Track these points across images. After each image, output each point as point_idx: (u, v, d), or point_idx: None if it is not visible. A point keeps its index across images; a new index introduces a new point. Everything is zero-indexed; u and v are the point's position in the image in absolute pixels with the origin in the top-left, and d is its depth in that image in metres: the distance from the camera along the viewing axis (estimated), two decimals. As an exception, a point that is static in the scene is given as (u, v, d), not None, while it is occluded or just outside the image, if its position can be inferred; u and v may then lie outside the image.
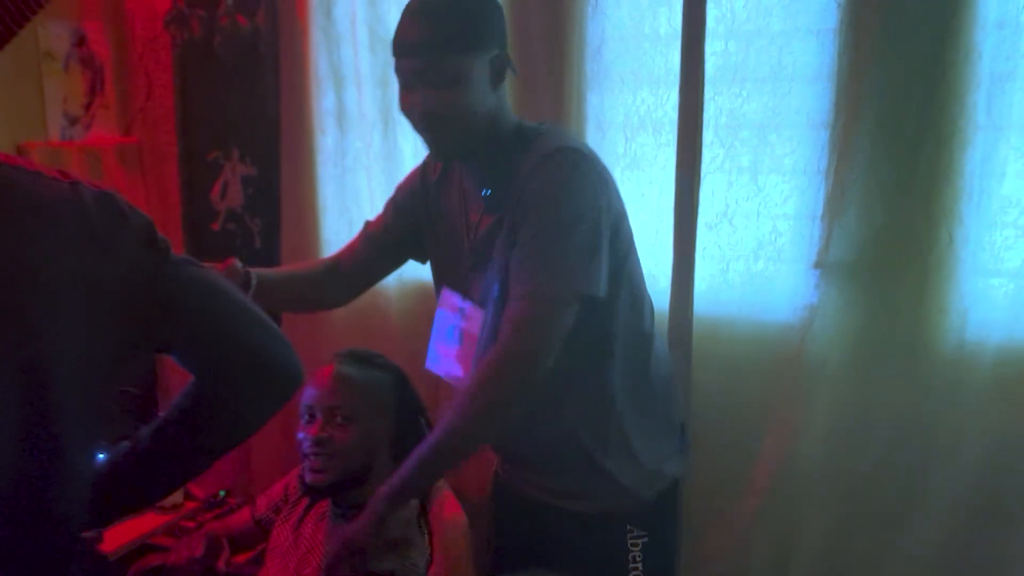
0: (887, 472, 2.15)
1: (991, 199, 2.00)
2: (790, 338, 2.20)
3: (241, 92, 2.89)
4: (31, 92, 2.74)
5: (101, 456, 1.36)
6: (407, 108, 1.73)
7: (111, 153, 2.94)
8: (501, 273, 1.74)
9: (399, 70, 1.71)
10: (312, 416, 2.07)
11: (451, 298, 1.91)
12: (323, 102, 2.72)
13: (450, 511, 2.10)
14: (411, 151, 2.63)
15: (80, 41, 2.86)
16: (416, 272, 2.65)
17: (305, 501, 2.20)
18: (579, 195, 1.67)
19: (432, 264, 2.03)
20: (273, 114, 2.80)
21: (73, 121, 2.85)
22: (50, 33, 2.76)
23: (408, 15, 1.68)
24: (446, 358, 1.94)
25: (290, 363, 1.37)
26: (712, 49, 2.17)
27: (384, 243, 2.05)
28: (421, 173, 2.00)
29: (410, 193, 2.01)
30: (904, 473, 2.14)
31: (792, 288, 2.20)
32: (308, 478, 2.06)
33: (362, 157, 2.69)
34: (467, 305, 1.87)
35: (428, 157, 1.97)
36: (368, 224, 2.09)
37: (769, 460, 2.24)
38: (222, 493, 2.88)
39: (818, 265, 2.15)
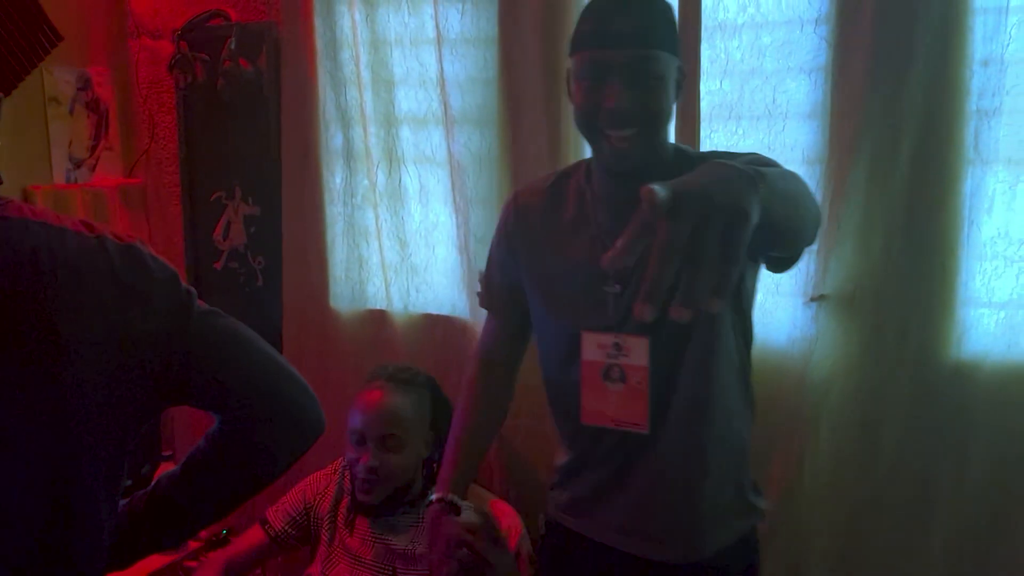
0: (890, 495, 2.20)
1: (980, 231, 2.07)
2: (791, 368, 2.24)
3: (244, 133, 2.94)
4: (37, 136, 2.79)
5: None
6: (594, 103, 1.57)
7: (115, 194, 2.99)
8: None
9: (596, 62, 1.56)
10: (362, 441, 2.16)
11: (595, 339, 1.72)
12: (332, 142, 2.78)
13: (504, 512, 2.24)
14: (415, 188, 2.70)
15: (85, 85, 2.91)
16: (423, 303, 2.74)
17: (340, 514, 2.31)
18: None
19: (553, 313, 1.79)
20: (275, 155, 2.84)
21: (78, 164, 2.90)
22: (56, 78, 2.82)
23: (612, 6, 1.56)
24: (612, 403, 1.73)
25: (312, 413, 1.39)
26: (707, 88, 2.25)
27: (514, 315, 1.91)
28: (513, 214, 1.85)
29: (507, 246, 1.86)
30: (908, 495, 2.18)
31: (791, 320, 2.25)
32: (361, 498, 2.18)
33: (370, 195, 2.74)
34: (620, 339, 1.69)
35: (516, 195, 1.86)
36: (481, 297, 1.97)
37: (777, 488, 2.28)
38: (224, 532, 2.89)
39: (813, 298, 2.20)
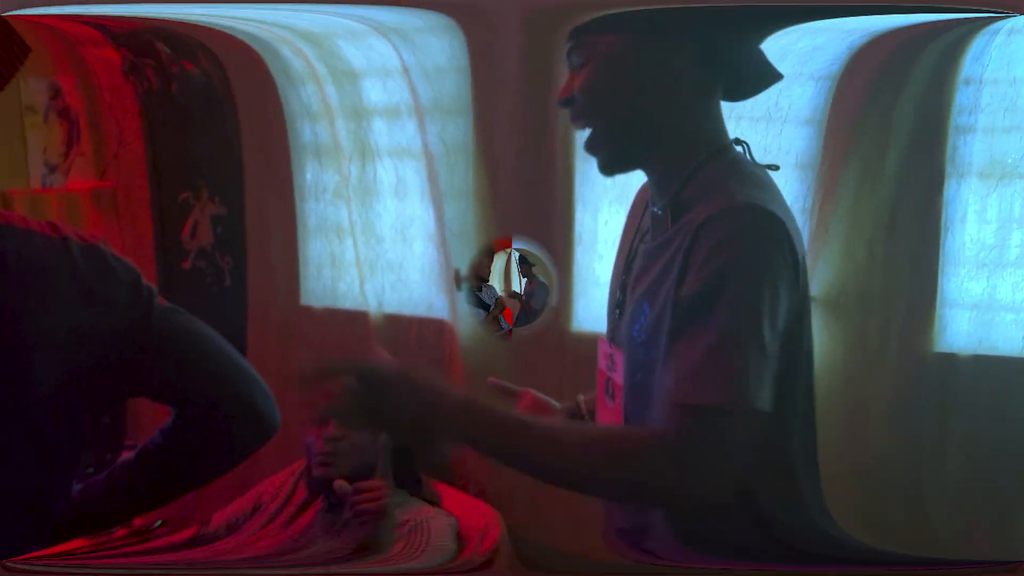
0: (874, 496, 2.30)
1: (956, 238, 2.23)
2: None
3: (206, 134, 2.90)
4: (15, 144, 2.75)
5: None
6: None
7: (87, 197, 2.93)
8: (651, 308, 1.43)
9: None
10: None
11: (603, 347, 1.60)
12: (298, 138, 2.72)
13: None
14: (391, 182, 2.67)
15: (56, 94, 2.85)
16: (397, 303, 2.75)
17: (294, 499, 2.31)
18: (755, 279, 1.38)
19: None
20: (238, 153, 2.82)
21: (53, 169, 2.83)
22: (31, 88, 2.76)
23: None
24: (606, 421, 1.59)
25: (267, 411, 1.45)
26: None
27: None
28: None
29: None
30: (890, 495, 2.30)
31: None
32: (316, 471, 2.14)
33: (342, 190, 2.72)
34: (613, 350, 1.55)
35: None
36: None
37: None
38: (158, 523, 2.87)
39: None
